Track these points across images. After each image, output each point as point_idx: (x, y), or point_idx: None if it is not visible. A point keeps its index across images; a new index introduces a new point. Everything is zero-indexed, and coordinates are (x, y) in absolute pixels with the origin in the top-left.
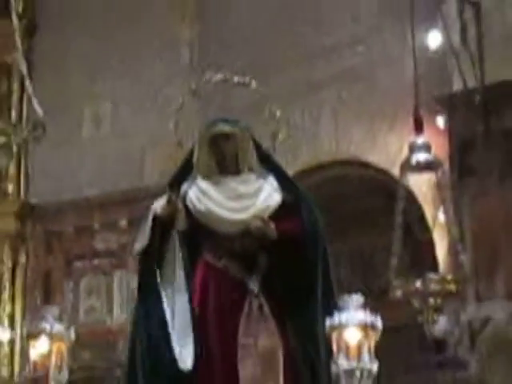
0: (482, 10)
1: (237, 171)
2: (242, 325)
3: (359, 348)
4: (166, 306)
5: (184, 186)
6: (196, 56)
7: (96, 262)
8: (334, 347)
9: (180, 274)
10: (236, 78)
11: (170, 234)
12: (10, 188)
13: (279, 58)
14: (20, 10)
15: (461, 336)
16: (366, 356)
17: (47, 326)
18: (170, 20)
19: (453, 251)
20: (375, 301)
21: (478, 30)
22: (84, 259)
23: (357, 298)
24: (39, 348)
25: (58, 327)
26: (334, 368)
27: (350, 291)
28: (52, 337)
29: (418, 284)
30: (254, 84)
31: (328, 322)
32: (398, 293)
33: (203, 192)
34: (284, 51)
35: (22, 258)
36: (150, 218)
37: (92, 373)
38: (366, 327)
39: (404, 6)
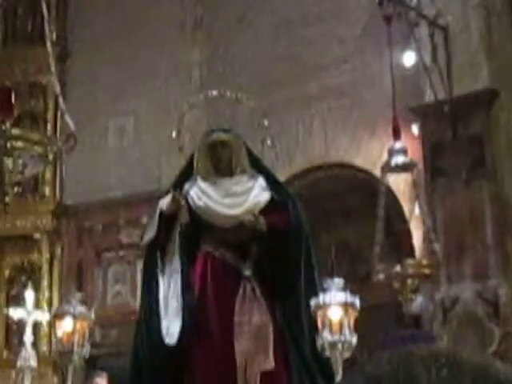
0: (450, 33)
1: (231, 173)
2: (237, 305)
3: (341, 324)
4: (161, 288)
5: (186, 186)
6: (205, 76)
7: (121, 253)
8: (319, 323)
9: (176, 261)
10: (229, 94)
11: (173, 227)
12: (47, 191)
13: (277, 76)
14: (54, 38)
15: (434, 312)
16: (346, 331)
17: (71, 309)
18: (183, 45)
19: (427, 240)
20: (361, 283)
21: (446, 50)
22: (111, 251)
23: (338, 282)
24: (64, 327)
25: (80, 309)
26: (319, 341)
27: (339, 276)
28: (75, 317)
29: (398, 268)
30: (244, 99)
31: (313, 302)
32: (381, 276)
33: (202, 191)
34: (281, 70)
35: (58, 251)
36: (157, 213)
37: (118, 348)
38: (346, 306)
39: (382, 30)
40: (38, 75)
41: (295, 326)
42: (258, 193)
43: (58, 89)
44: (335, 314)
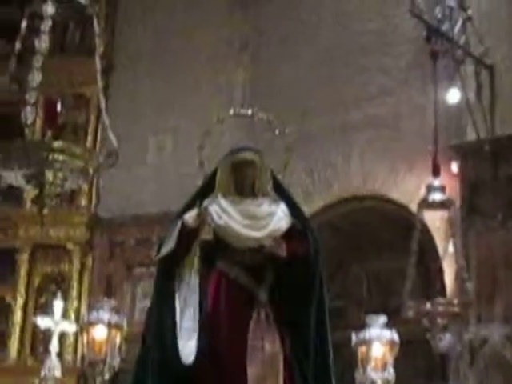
0: (496, 72)
1: (252, 195)
2: (251, 329)
3: (383, 360)
4: (177, 306)
5: (205, 202)
6: (247, 98)
7: (152, 269)
8: (360, 359)
9: (195, 278)
10: (260, 115)
11: (192, 242)
12: (83, 202)
13: (318, 103)
14: (101, 51)
15: (462, 352)
16: (389, 367)
17: (106, 316)
18: (228, 65)
19: (459, 279)
20: (390, 318)
21: (491, 89)
22: (142, 266)
23: (382, 318)
24: (97, 335)
25: (116, 318)
26: (358, 377)
27: (368, 309)
28: (109, 326)
29: (428, 306)
30: (275, 122)
31: (355, 338)
32: (410, 312)
33: (223, 209)
34: (323, 98)
35: (89, 262)
36: (178, 227)
37: None
38: (391, 343)
39: (428, 66)
40: (83, 87)
41: (302, 355)
42: (280, 219)
43: (103, 104)
44: (379, 350)
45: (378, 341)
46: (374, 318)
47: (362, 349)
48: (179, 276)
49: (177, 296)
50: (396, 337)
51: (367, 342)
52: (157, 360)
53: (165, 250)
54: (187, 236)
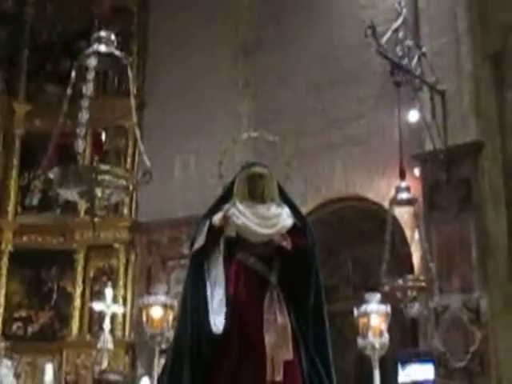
0: (447, 95)
1: (262, 201)
2: (265, 305)
3: (379, 328)
4: (208, 288)
5: (226, 206)
6: (253, 124)
7: (182, 261)
8: (361, 328)
9: (221, 266)
10: (265, 136)
11: (219, 239)
12: (125, 210)
13: (308, 127)
14: (135, 91)
15: (428, 317)
16: (385, 334)
17: (162, 299)
18: (235, 100)
19: (424, 260)
20: (370, 293)
21: (443, 109)
22: (174, 260)
23: (378, 296)
24: (155, 314)
25: (169, 300)
26: (360, 342)
27: (354, 285)
28: (164, 306)
29: (400, 282)
30: (278, 142)
31: (356, 311)
32: (386, 287)
33: (240, 212)
34: (311, 122)
35: (132, 258)
36: (207, 227)
37: None
38: (385, 315)
39: (393, 93)
40: (122, 120)
41: (304, 327)
42: (285, 218)
43: (138, 134)
44: (376, 320)
45: (376, 313)
46: (372, 295)
47: (364, 320)
48: (208, 266)
49: (208, 282)
50: (389, 310)
51: (367, 314)
52: (192, 333)
53: (197, 246)
54: (214, 234)
